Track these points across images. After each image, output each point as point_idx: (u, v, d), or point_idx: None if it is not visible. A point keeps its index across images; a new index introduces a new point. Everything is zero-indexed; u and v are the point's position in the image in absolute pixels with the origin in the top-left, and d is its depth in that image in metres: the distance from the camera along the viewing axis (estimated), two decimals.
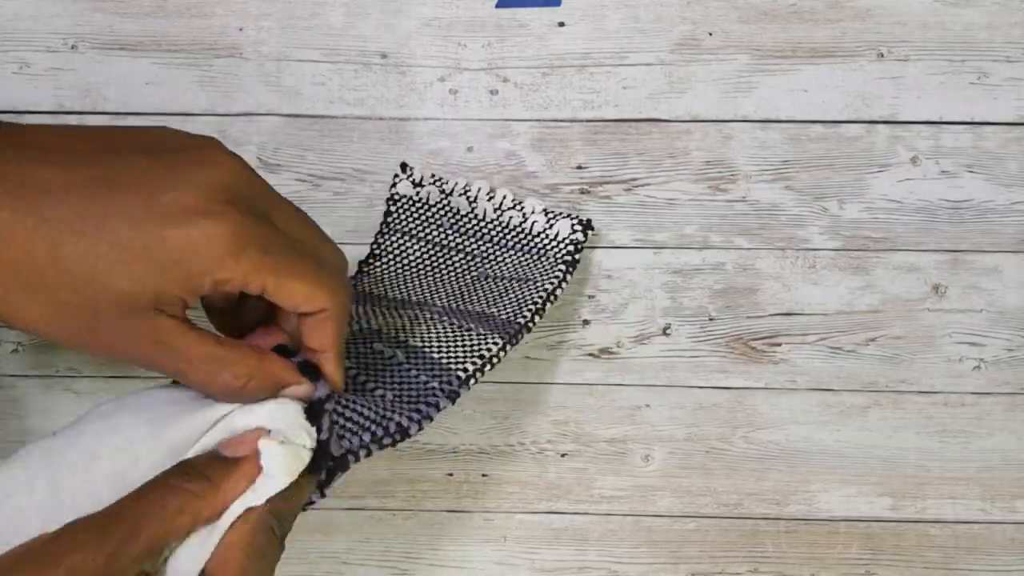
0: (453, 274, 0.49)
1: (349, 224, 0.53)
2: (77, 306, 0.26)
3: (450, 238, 0.51)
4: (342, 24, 0.51)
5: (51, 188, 0.27)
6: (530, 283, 0.48)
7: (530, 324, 0.45)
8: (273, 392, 0.31)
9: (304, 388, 0.32)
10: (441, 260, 0.50)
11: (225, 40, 0.51)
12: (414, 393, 0.38)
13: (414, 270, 0.50)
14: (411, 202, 0.52)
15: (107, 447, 0.29)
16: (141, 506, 0.27)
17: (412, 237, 0.51)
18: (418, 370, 0.40)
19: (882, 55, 0.51)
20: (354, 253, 0.53)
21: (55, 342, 0.27)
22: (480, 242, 0.51)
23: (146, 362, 0.28)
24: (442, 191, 0.51)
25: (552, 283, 0.47)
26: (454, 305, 0.46)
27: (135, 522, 0.26)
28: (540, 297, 0.46)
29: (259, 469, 0.29)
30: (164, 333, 0.28)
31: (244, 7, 0.51)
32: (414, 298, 0.47)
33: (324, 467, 0.32)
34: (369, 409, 0.35)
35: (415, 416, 0.36)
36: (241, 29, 0.51)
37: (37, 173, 0.27)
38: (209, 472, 0.29)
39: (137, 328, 0.27)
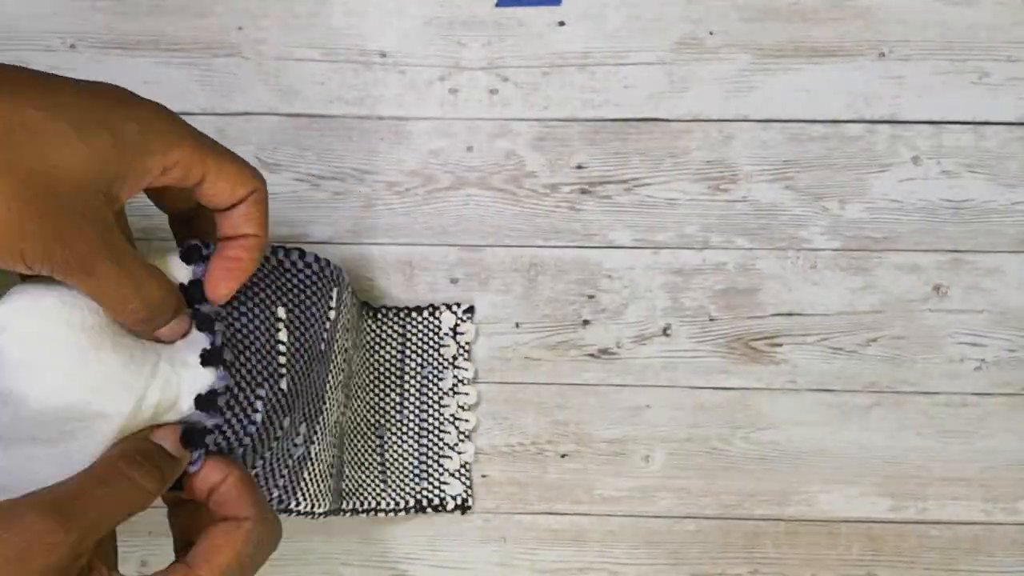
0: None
1: (348, 224, 0.53)
2: (32, 188, 0.26)
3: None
4: (342, 23, 0.51)
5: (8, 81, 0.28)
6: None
7: None
8: (160, 324, 0.32)
9: (181, 324, 0.32)
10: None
11: (224, 39, 0.51)
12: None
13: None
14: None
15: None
16: (95, 493, 0.27)
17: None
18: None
19: (883, 54, 0.51)
20: (354, 253, 0.53)
21: None
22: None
23: (77, 262, 0.28)
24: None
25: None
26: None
27: (89, 509, 0.27)
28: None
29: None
30: (109, 228, 0.28)
31: (244, 6, 0.51)
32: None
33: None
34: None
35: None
36: (240, 28, 0.51)
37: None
38: (165, 468, 0.30)
39: (86, 214, 0.27)
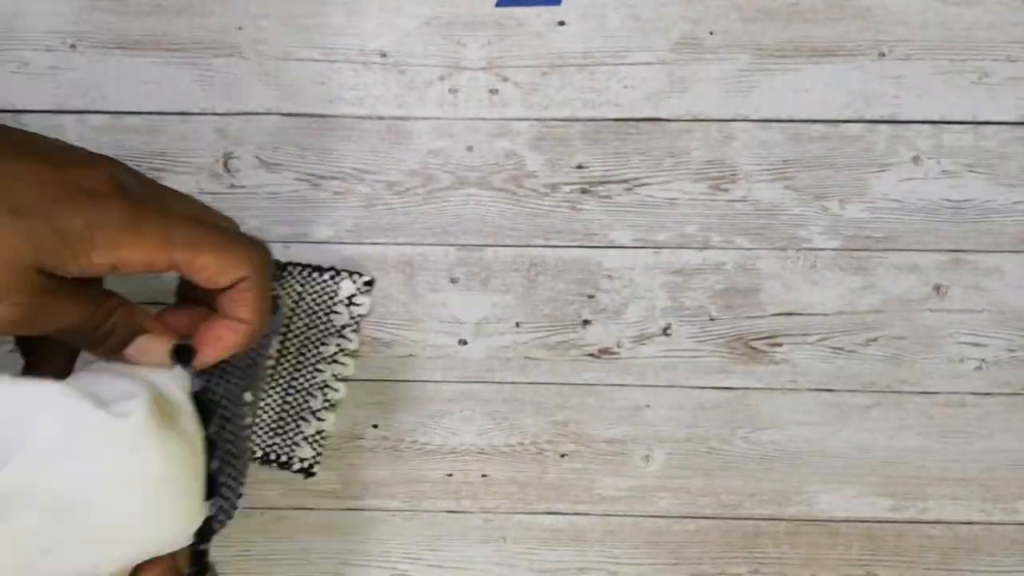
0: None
1: (348, 224, 0.53)
2: None
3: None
4: (342, 23, 0.51)
5: None
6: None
7: None
8: (133, 336, 0.31)
9: (161, 343, 0.31)
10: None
11: (224, 39, 0.51)
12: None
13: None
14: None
15: None
16: None
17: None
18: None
19: (883, 54, 0.51)
20: (354, 253, 0.53)
21: None
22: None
23: (32, 325, 0.28)
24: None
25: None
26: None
27: None
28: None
29: None
30: (51, 292, 0.28)
31: (244, 6, 0.51)
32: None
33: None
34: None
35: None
36: (240, 28, 0.51)
37: None
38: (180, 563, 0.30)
39: (29, 292, 0.27)
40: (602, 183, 0.52)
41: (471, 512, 0.55)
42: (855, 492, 0.54)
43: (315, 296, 0.52)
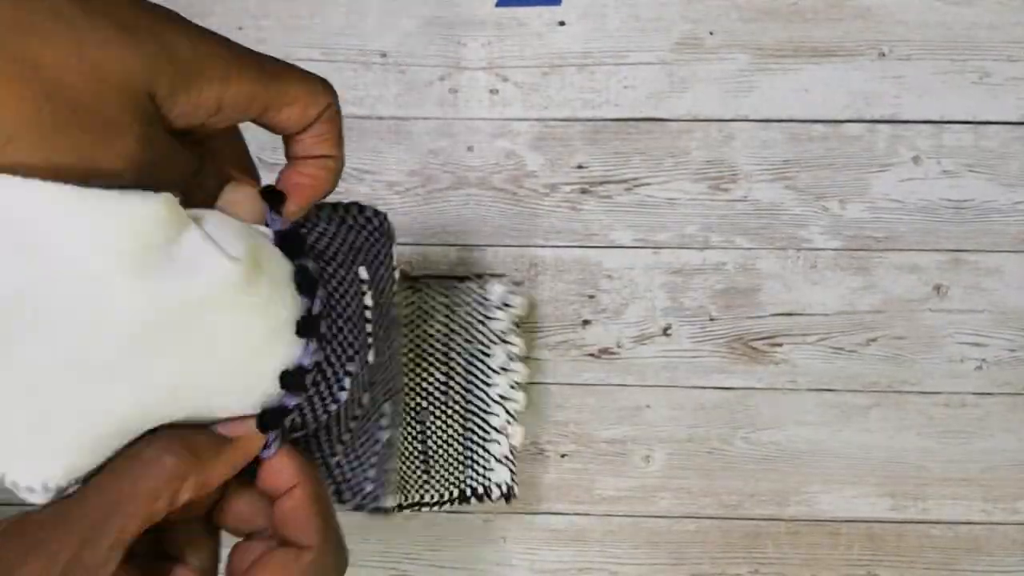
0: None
1: None
2: (62, 87, 0.22)
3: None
4: (342, 23, 0.51)
5: None
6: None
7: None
8: (221, 185, 0.29)
9: (249, 188, 0.29)
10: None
11: None
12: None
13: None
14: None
15: None
16: (113, 490, 0.25)
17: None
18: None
19: (883, 54, 0.51)
20: None
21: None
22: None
23: (141, 156, 0.24)
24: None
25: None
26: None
27: (106, 510, 0.24)
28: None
29: (251, 455, 0.27)
30: (157, 127, 0.25)
31: (243, 6, 0.51)
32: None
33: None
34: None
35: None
36: (241, 28, 0.51)
37: None
38: (204, 453, 0.26)
39: (142, 121, 0.24)
40: (602, 183, 0.52)
41: (471, 512, 0.55)
42: (855, 492, 0.54)
43: (467, 308, 0.48)
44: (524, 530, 0.55)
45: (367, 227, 0.35)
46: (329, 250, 0.32)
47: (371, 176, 0.52)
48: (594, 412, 0.54)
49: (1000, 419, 0.54)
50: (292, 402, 0.28)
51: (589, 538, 0.55)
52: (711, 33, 0.51)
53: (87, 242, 0.23)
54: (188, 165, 0.26)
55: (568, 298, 0.53)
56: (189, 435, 0.26)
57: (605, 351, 0.53)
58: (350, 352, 0.31)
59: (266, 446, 0.28)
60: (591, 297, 0.53)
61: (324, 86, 0.28)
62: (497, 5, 0.51)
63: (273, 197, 0.29)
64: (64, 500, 0.24)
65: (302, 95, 0.28)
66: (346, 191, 0.52)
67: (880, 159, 0.52)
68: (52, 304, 0.23)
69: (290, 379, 0.27)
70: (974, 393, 0.54)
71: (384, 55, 0.51)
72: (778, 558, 0.55)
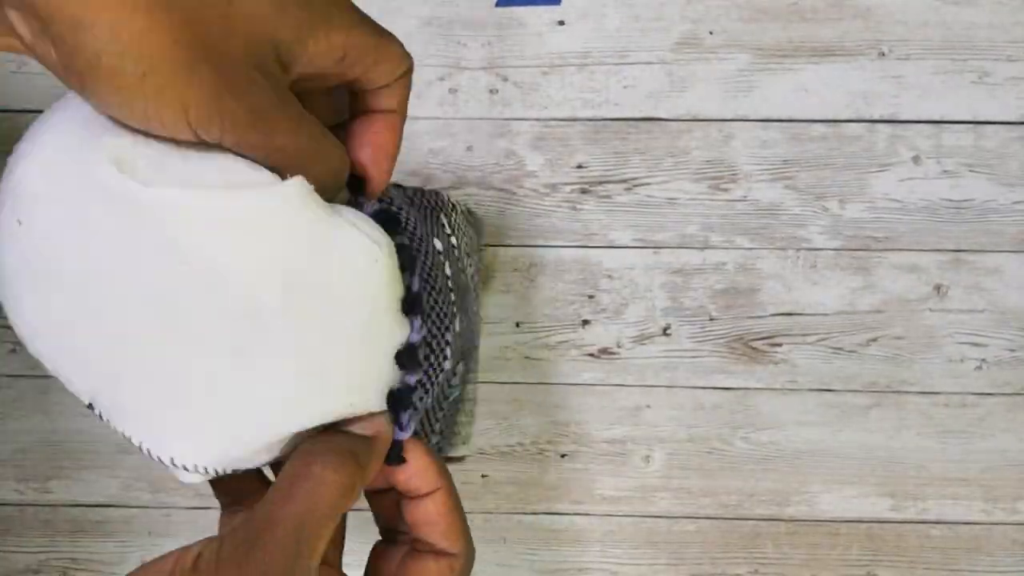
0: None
1: None
2: (199, 28, 0.22)
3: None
4: None
5: None
6: None
7: None
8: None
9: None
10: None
11: None
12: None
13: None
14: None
15: None
16: (295, 510, 0.24)
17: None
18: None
19: (883, 54, 0.51)
20: None
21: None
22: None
23: (252, 118, 0.24)
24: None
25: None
26: None
27: (296, 536, 0.24)
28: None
29: (388, 444, 0.27)
30: (284, 87, 0.24)
31: None
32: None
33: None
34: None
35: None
36: None
37: None
38: (362, 458, 0.26)
39: (261, 67, 0.23)
40: (602, 183, 0.52)
41: (471, 512, 0.55)
42: (855, 492, 0.54)
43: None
44: (524, 530, 0.55)
45: (427, 203, 0.35)
46: (408, 227, 0.31)
47: None
48: (594, 412, 0.54)
49: (1000, 419, 0.54)
50: (413, 379, 0.28)
51: (589, 538, 0.55)
52: (711, 33, 0.51)
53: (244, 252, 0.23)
54: (337, 153, 0.26)
55: (568, 298, 0.53)
56: (342, 442, 0.26)
57: (605, 351, 0.53)
58: (446, 322, 0.31)
59: (401, 428, 0.28)
60: (591, 297, 0.53)
61: (406, 51, 0.28)
62: (497, 5, 0.51)
63: (354, 185, 0.28)
64: (244, 530, 0.24)
65: (396, 54, 0.27)
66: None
67: (880, 159, 0.52)
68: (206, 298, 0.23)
69: (406, 358, 0.28)
70: (974, 393, 0.53)
71: None
72: (778, 558, 0.55)
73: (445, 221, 0.37)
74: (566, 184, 0.52)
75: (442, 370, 0.31)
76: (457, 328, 0.33)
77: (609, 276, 0.53)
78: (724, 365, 0.53)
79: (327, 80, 0.26)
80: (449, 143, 0.52)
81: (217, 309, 0.23)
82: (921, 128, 0.51)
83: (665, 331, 0.53)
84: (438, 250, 0.33)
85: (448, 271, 0.33)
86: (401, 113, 0.28)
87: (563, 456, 0.54)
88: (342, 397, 0.25)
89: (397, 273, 0.26)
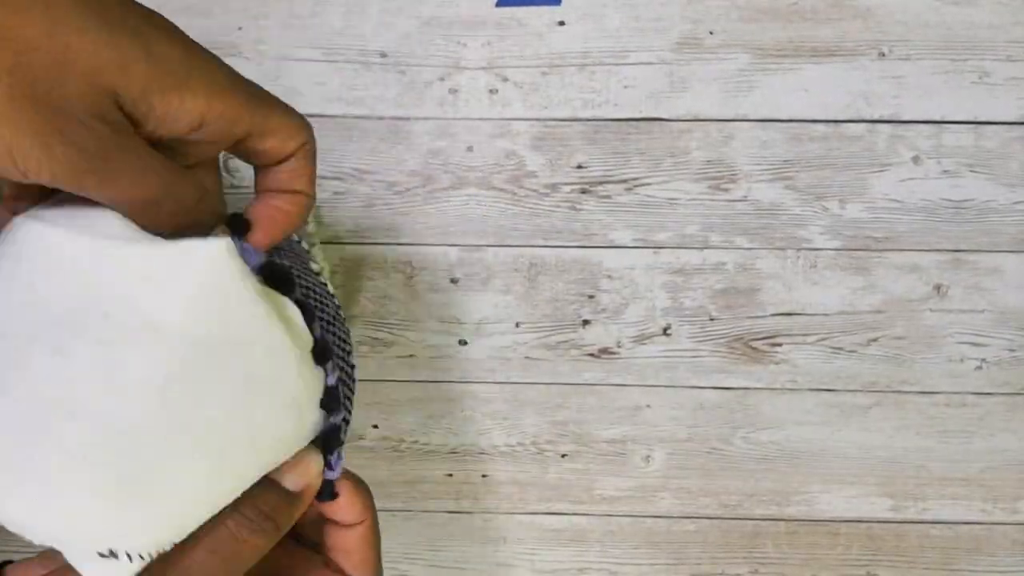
0: None
1: (349, 224, 0.52)
2: (28, 67, 0.21)
3: None
4: (342, 23, 0.51)
5: None
6: None
7: None
8: (212, 221, 0.27)
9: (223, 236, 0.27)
10: None
11: (224, 39, 0.51)
12: None
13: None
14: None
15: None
16: (208, 564, 0.24)
17: None
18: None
19: (883, 54, 0.51)
20: (354, 253, 0.53)
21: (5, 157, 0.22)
22: None
23: (86, 161, 0.23)
24: None
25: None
26: None
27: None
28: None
29: (317, 487, 0.27)
30: (125, 131, 0.23)
31: (243, 6, 0.51)
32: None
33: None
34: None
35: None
36: (240, 28, 0.51)
37: None
38: (278, 517, 0.26)
39: (95, 112, 0.22)
40: (602, 183, 0.52)
41: (471, 512, 0.55)
42: (855, 492, 0.54)
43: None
44: (524, 530, 0.55)
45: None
46: (296, 277, 0.31)
47: (371, 176, 0.52)
48: (594, 412, 0.54)
49: (1000, 419, 0.54)
50: (338, 419, 0.29)
51: (589, 538, 0.55)
52: (711, 33, 0.51)
53: (158, 300, 0.23)
54: (190, 191, 0.26)
55: (568, 298, 0.53)
56: (265, 502, 0.26)
57: (605, 351, 0.53)
58: (348, 345, 0.31)
59: (331, 468, 0.28)
60: (591, 297, 0.53)
61: (304, 123, 0.28)
62: (497, 5, 0.51)
63: (236, 223, 0.28)
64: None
65: (283, 127, 0.27)
66: (346, 191, 0.52)
67: (880, 159, 0.52)
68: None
69: (328, 401, 0.28)
70: (974, 393, 0.54)
71: (384, 55, 0.51)
72: (778, 558, 0.55)
73: (298, 236, 0.37)
74: (566, 184, 0.52)
75: (354, 393, 0.31)
76: (352, 362, 0.33)
77: (609, 276, 0.53)
78: (724, 365, 0.53)
79: (204, 148, 0.26)
80: (449, 143, 0.52)
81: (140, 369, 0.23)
82: (921, 128, 0.51)
83: (665, 331, 0.53)
84: (316, 272, 0.33)
85: (330, 289, 0.33)
86: (305, 192, 0.28)
87: (563, 456, 0.54)
88: (268, 457, 0.26)
89: (308, 341, 0.26)
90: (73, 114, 0.22)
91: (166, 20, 0.25)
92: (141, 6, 0.24)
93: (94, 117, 0.22)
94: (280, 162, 0.28)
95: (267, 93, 0.27)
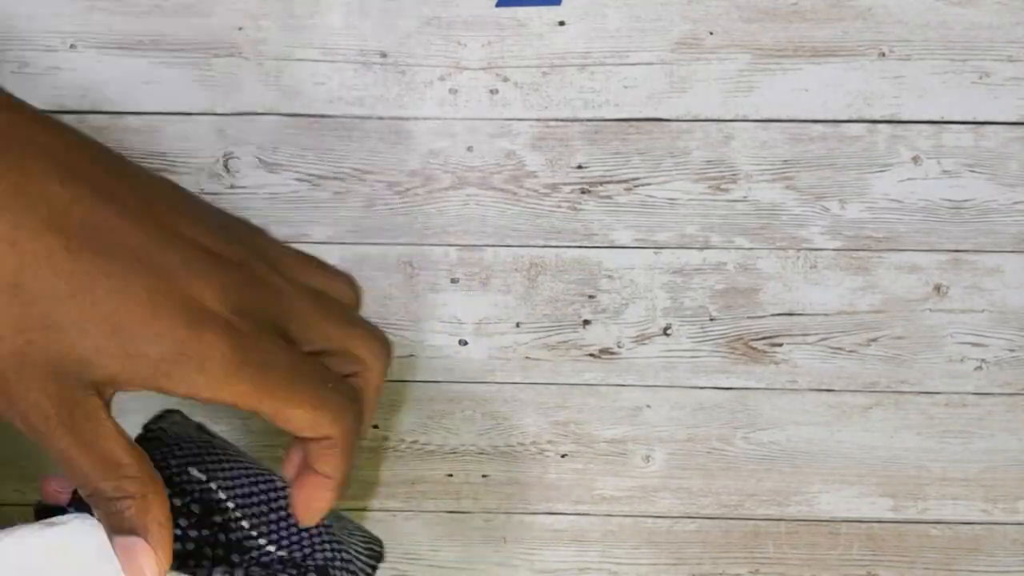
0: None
1: (349, 224, 0.53)
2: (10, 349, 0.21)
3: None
4: (342, 23, 0.51)
5: (54, 204, 0.21)
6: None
7: None
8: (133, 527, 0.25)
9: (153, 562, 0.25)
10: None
11: (224, 39, 0.51)
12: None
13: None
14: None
15: None
16: None
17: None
18: None
19: (883, 54, 0.51)
20: (354, 253, 0.53)
21: None
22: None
23: (40, 432, 0.22)
24: None
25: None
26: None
27: None
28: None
29: None
30: (84, 414, 0.22)
31: (243, 6, 0.51)
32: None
33: None
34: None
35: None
36: (240, 28, 0.51)
37: (38, 182, 0.21)
38: None
39: (56, 395, 0.22)
40: (602, 183, 0.52)
41: (471, 512, 0.55)
42: (855, 492, 0.54)
43: None
44: (524, 530, 0.55)
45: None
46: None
47: (371, 176, 0.52)
48: (594, 412, 0.54)
49: (1000, 419, 0.54)
50: None
51: (589, 538, 0.55)
52: (711, 33, 0.51)
53: None
54: (90, 474, 0.24)
55: (568, 298, 0.53)
56: None
57: (605, 351, 0.53)
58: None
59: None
60: (591, 297, 0.53)
61: (336, 419, 0.26)
62: (497, 5, 0.51)
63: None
64: None
65: (299, 420, 0.25)
66: (346, 191, 0.52)
67: (880, 159, 0.52)
68: None
69: None
70: (974, 393, 0.54)
71: (384, 55, 0.51)
72: (778, 558, 0.55)
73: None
74: (566, 184, 0.52)
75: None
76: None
77: (609, 276, 0.53)
78: (724, 365, 0.53)
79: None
80: (449, 143, 0.52)
81: None
82: (921, 128, 0.51)
83: (665, 331, 0.53)
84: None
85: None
86: (336, 479, 0.27)
87: (563, 456, 0.54)
88: None
89: None
90: (27, 382, 0.21)
91: (170, 287, 0.23)
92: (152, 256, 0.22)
93: (47, 386, 0.22)
94: (315, 439, 0.26)
95: (302, 383, 0.25)
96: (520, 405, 0.54)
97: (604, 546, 0.55)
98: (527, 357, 0.54)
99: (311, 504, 0.28)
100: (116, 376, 0.22)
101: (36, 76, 0.51)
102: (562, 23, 0.51)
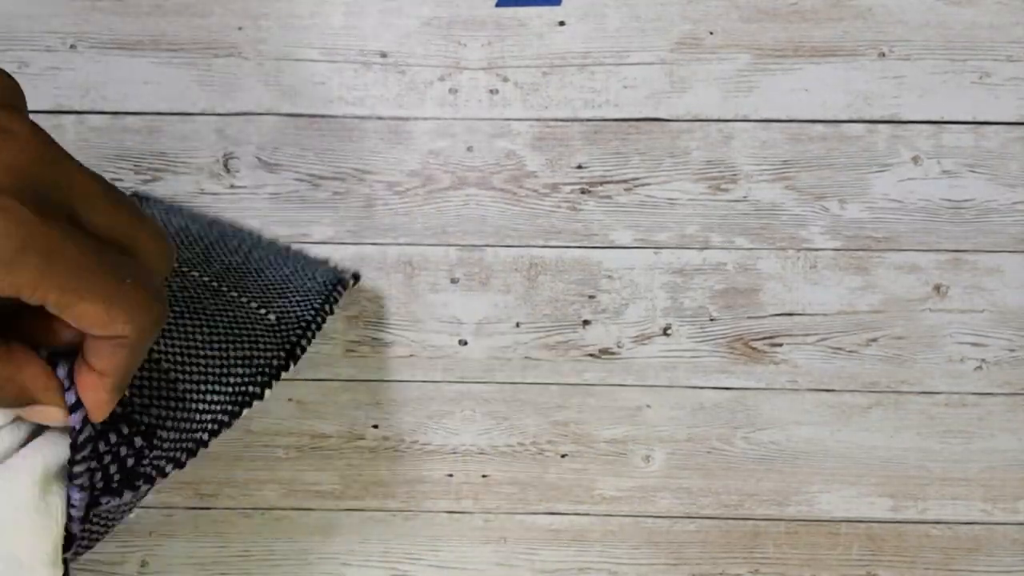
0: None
1: (348, 224, 0.53)
2: None
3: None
4: (341, 23, 0.51)
5: None
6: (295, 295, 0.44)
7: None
8: (19, 405, 0.25)
9: (57, 414, 0.25)
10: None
11: (224, 39, 0.51)
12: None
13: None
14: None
15: None
16: None
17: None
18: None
19: (883, 54, 0.51)
20: (354, 253, 0.53)
21: None
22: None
23: None
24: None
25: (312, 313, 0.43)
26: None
27: None
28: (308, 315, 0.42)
29: None
30: None
31: (243, 6, 0.51)
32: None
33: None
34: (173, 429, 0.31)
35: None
36: (240, 28, 0.51)
37: None
38: None
39: None
40: (602, 183, 0.52)
41: (471, 512, 0.55)
42: (855, 492, 0.54)
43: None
44: (524, 530, 0.55)
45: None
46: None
47: (371, 176, 0.52)
48: (594, 412, 0.54)
49: (1000, 419, 0.54)
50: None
51: (589, 538, 0.55)
52: (711, 33, 0.51)
53: None
54: None
55: (568, 298, 0.53)
56: None
57: (605, 351, 0.53)
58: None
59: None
60: (591, 297, 0.53)
61: (130, 319, 0.24)
62: (497, 5, 0.51)
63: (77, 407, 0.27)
64: None
65: (89, 315, 0.23)
66: (346, 191, 0.52)
67: (880, 159, 0.52)
68: None
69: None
70: (974, 393, 0.54)
71: (384, 55, 0.51)
72: (778, 558, 0.55)
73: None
74: (566, 184, 0.52)
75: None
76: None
77: (609, 276, 0.53)
78: (724, 365, 0.53)
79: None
80: (449, 143, 0.52)
81: None
82: (921, 128, 0.51)
83: (665, 331, 0.53)
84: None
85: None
86: (114, 379, 0.25)
87: (563, 456, 0.54)
88: None
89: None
90: None
91: None
92: None
93: None
94: (94, 336, 0.24)
95: (95, 276, 0.23)
96: (520, 405, 0.54)
97: (604, 546, 0.55)
98: (527, 357, 0.54)
99: (92, 397, 0.26)
100: None
101: (36, 75, 0.51)
102: (562, 23, 0.51)
